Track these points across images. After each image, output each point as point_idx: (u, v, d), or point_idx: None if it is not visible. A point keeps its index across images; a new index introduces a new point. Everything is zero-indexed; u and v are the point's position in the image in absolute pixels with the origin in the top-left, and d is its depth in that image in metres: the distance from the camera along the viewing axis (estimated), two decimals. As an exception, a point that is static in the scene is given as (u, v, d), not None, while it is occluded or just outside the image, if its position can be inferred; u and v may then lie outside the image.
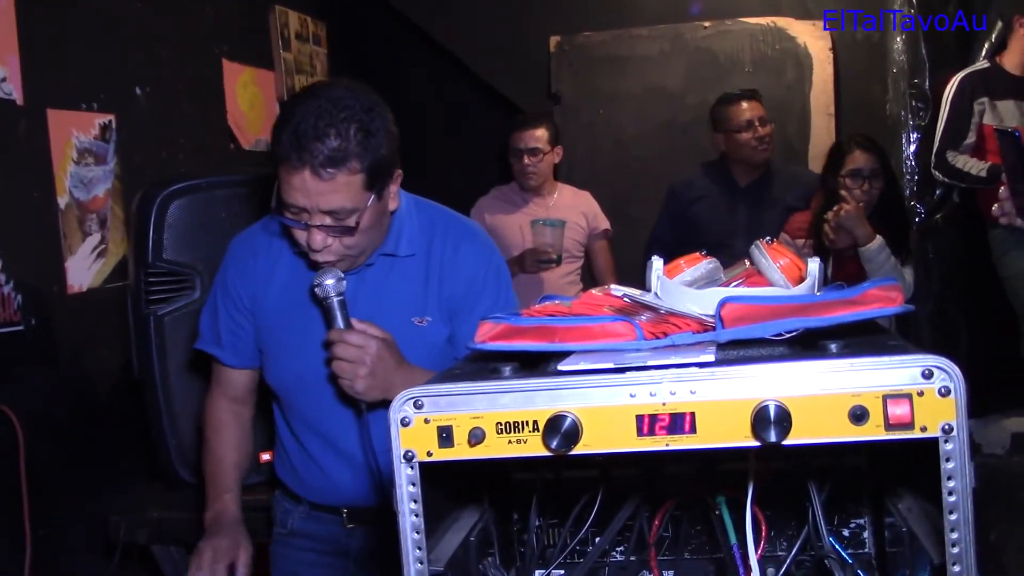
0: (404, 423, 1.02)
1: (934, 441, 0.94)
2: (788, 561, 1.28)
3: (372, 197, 1.75)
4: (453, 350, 1.95)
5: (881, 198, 3.40)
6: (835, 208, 3.28)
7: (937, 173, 4.42)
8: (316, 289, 1.78)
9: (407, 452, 1.02)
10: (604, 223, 4.15)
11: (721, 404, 0.97)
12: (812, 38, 4.80)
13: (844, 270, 3.31)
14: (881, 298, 1.06)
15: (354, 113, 1.70)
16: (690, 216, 3.98)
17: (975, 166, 4.28)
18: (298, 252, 1.88)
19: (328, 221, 1.73)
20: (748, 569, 1.14)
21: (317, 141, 1.67)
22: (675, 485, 1.32)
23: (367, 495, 1.98)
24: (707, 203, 3.97)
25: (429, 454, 1.02)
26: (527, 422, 1.00)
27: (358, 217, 1.74)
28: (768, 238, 1.29)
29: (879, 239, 3.26)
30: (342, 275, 1.79)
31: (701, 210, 3.97)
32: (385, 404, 1.82)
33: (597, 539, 1.33)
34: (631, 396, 0.98)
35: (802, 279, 1.21)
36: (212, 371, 2.08)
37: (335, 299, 1.78)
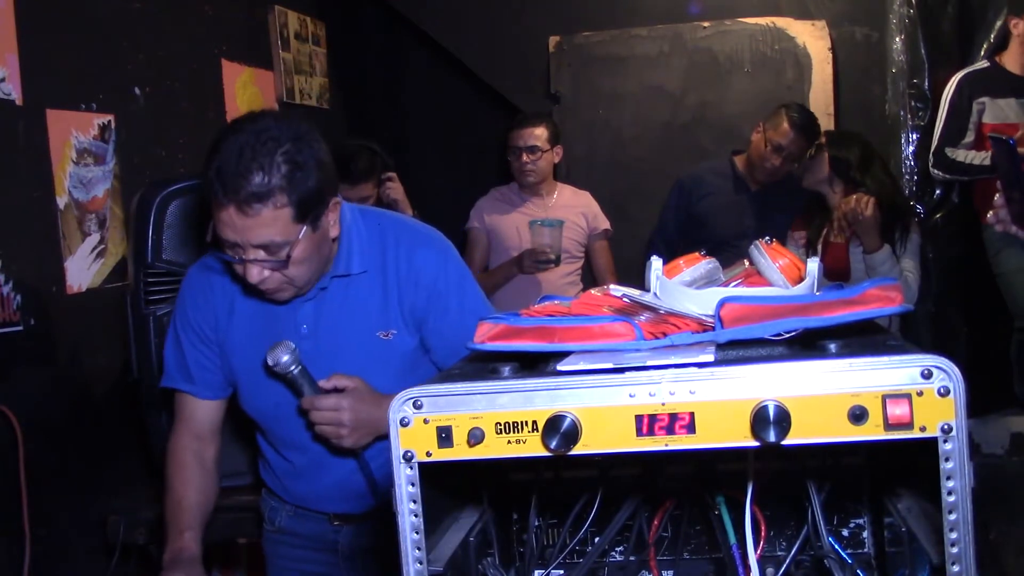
0: (403, 423, 1.02)
1: (933, 441, 0.94)
2: (787, 561, 1.28)
3: (305, 229, 1.72)
4: (427, 356, 1.95)
5: (879, 188, 3.43)
6: (854, 199, 3.29)
7: (936, 171, 4.41)
8: (274, 368, 1.78)
9: (406, 452, 1.02)
10: (604, 223, 4.14)
11: (720, 404, 0.97)
12: (811, 38, 4.80)
13: (830, 255, 3.35)
14: (880, 298, 1.06)
15: (279, 145, 1.66)
16: (698, 212, 3.96)
17: (976, 156, 4.27)
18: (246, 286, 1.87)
19: (262, 255, 1.71)
20: (747, 569, 1.14)
21: (240, 178, 1.63)
22: (674, 485, 1.32)
23: (353, 503, 2.00)
24: (716, 200, 3.94)
25: (428, 454, 1.02)
26: (526, 422, 1.00)
27: (290, 250, 1.71)
28: (768, 238, 1.29)
29: (886, 248, 3.28)
30: (293, 345, 1.79)
31: (709, 207, 3.94)
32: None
33: (596, 539, 1.33)
34: (630, 396, 0.98)
35: (801, 279, 1.21)
36: (176, 408, 2.02)
37: (295, 370, 1.79)
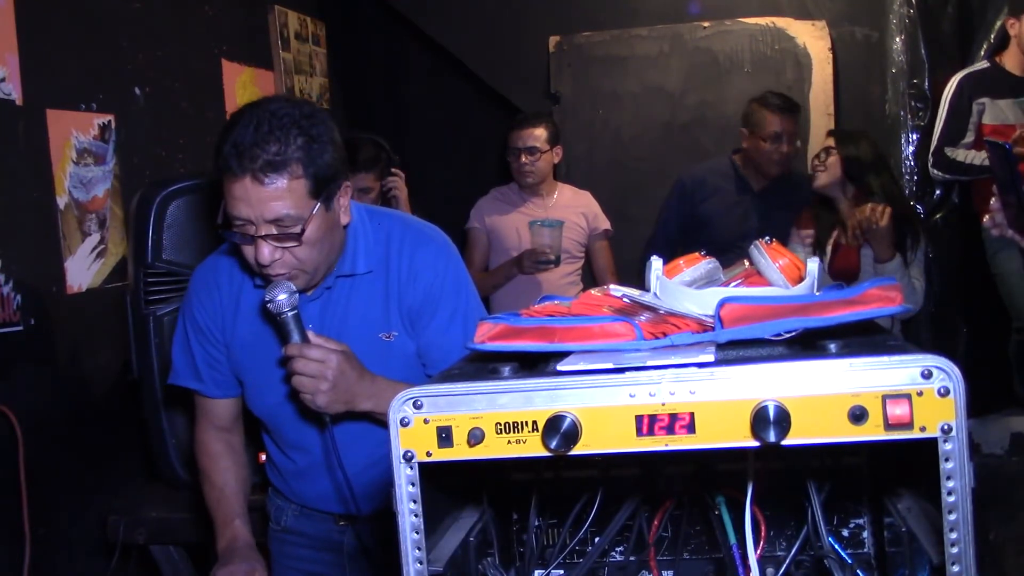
0: (403, 423, 1.02)
1: (933, 441, 0.94)
2: (787, 561, 1.28)
3: (318, 206, 1.72)
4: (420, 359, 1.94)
5: (885, 193, 3.42)
6: (868, 208, 3.28)
7: (936, 172, 4.41)
8: (268, 305, 1.74)
9: (406, 452, 1.02)
10: (604, 223, 4.14)
11: (720, 404, 0.97)
12: (811, 38, 4.80)
13: (841, 257, 3.35)
14: (881, 298, 1.06)
15: (294, 120, 1.69)
16: (700, 214, 3.95)
17: (976, 156, 4.26)
18: (256, 282, 1.87)
19: (274, 231, 1.70)
20: (747, 569, 1.14)
21: (256, 147, 1.65)
22: (674, 485, 1.32)
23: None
24: (719, 202, 3.93)
25: (428, 454, 1.02)
26: (526, 422, 1.00)
27: (304, 224, 1.71)
28: (768, 237, 1.29)
29: (897, 258, 3.27)
30: (294, 288, 1.75)
31: (712, 209, 3.93)
32: (352, 416, 1.81)
33: (596, 539, 1.33)
34: (630, 396, 0.98)
35: (801, 279, 1.21)
36: (196, 404, 2.06)
37: (289, 313, 1.74)
